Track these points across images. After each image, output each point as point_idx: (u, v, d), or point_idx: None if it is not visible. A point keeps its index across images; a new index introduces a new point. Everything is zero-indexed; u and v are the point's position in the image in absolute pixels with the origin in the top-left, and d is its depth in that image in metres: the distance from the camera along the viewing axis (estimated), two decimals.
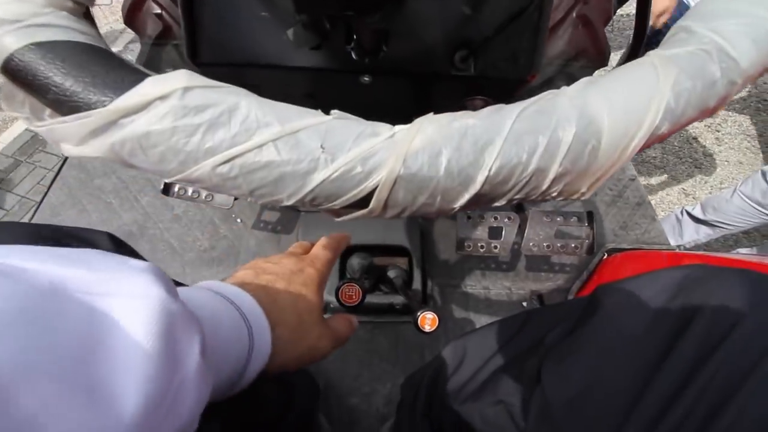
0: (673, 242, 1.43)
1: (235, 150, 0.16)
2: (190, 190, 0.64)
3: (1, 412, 0.10)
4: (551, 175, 0.18)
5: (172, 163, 0.16)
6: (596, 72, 0.74)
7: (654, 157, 1.82)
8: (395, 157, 0.17)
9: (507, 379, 0.34)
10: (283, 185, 0.17)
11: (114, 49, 0.18)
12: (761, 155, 1.86)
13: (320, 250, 0.36)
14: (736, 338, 0.20)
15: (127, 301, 0.15)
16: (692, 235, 1.44)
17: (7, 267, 0.13)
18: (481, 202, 0.19)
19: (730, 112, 1.93)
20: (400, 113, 0.54)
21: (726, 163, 1.83)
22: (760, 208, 1.26)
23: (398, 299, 0.69)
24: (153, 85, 0.16)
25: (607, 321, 0.26)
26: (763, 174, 1.25)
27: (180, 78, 0.17)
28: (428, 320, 0.45)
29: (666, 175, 1.79)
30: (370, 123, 0.18)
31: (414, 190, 0.18)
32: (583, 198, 0.19)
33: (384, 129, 0.18)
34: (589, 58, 0.83)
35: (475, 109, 0.54)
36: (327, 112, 0.19)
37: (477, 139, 0.18)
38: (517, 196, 0.19)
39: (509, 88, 0.47)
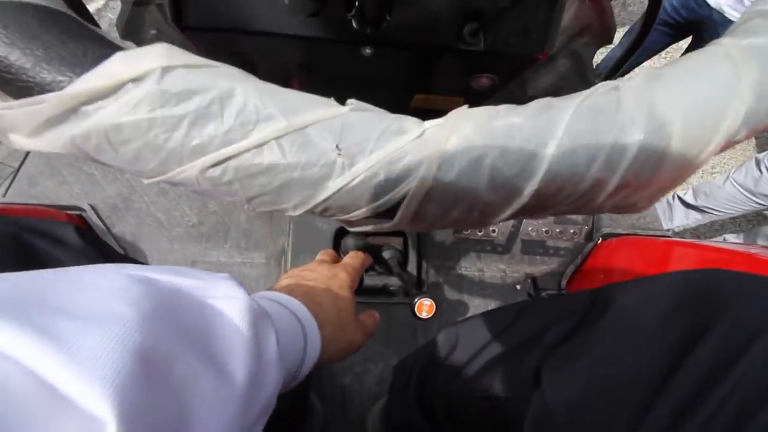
0: (663, 225, 1.44)
1: (230, 150, 0.13)
2: None
3: (168, 373, 0.14)
4: (610, 188, 0.15)
5: (150, 163, 0.14)
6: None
7: None
8: (428, 162, 0.14)
9: (501, 375, 0.33)
10: (288, 194, 0.15)
11: (91, 8, 0.15)
12: (753, 141, 1.86)
13: (350, 259, 0.43)
14: (758, 349, 0.19)
15: (224, 300, 0.18)
16: (682, 219, 1.46)
17: (143, 277, 0.16)
18: (523, 215, 0.17)
19: None
20: (402, 89, 0.51)
21: None
22: (750, 196, 1.27)
23: (393, 280, 0.68)
24: (124, 63, 0.13)
25: (619, 320, 0.25)
26: (757, 162, 1.25)
27: (158, 54, 0.13)
28: (425, 307, 0.45)
29: None
30: (393, 117, 0.15)
31: (449, 203, 0.15)
32: (636, 213, 0.17)
33: (411, 124, 0.15)
34: (594, 34, 0.80)
35: (480, 87, 0.51)
36: (340, 98, 0.16)
37: (526, 141, 0.14)
38: (564, 210, 0.17)
39: (519, 66, 0.44)
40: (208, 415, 0.15)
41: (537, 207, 0.16)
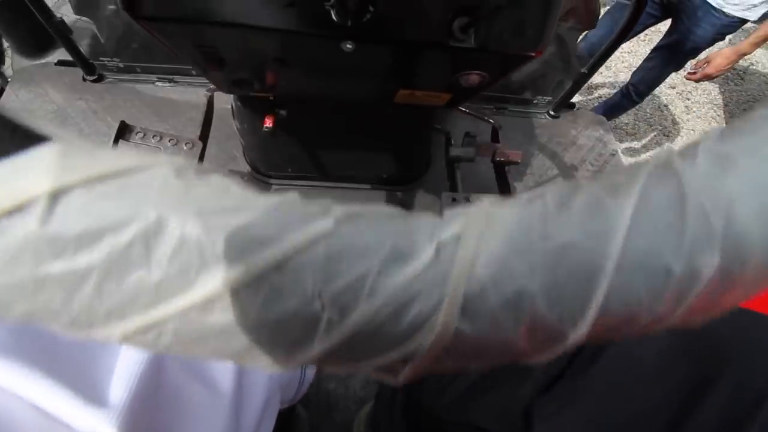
0: None
1: (162, 311, 0.09)
2: (151, 139, 0.58)
3: (158, 385, 0.15)
4: (669, 323, 0.12)
5: (50, 324, 0.10)
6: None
7: (627, 123, 1.84)
8: (447, 307, 0.10)
9: (491, 405, 0.32)
10: (253, 358, 0.11)
11: None
12: (725, 126, 1.92)
13: None
14: (766, 415, 0.18)
15: None
16: None
17: None
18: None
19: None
20: (385, 86, 0.48)
21: (692, 132, 1.88)
22: None
23: None
24: None
25: (616, 360, 0.23)
26: None
27: (45, 166, 0.09)
28: None
29: (636, 142, 1.82)
30: (396, 225, 0.11)
31: (470, 355, 0.11)
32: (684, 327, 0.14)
33: (419, 234, 0.11)
34: (579, 18, 0.78)
35: (469, 85, 0.47)
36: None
37: (576, 269, 0.10)
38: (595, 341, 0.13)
39: (511, 63, 0.42)
40: (194, 420, 0.16)
41: (570, 346, 0.12)
